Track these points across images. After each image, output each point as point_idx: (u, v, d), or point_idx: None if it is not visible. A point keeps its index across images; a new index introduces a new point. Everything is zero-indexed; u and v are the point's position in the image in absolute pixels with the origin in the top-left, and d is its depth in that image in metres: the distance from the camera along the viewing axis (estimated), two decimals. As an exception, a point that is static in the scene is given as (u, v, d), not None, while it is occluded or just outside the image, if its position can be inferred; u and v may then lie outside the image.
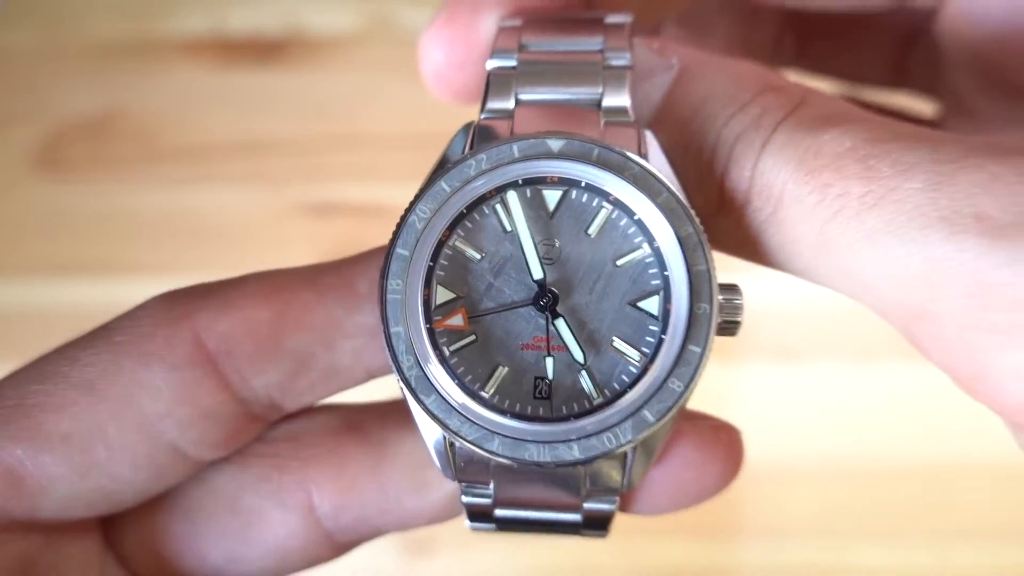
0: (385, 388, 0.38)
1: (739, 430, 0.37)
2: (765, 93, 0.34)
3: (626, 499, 0.37)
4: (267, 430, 0.38)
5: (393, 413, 0.37)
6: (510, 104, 0.36)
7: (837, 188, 0.30)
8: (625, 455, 0.35)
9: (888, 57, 0.47)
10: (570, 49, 0.37)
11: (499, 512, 0.37)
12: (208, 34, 0.93)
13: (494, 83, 0.36)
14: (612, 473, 0.35)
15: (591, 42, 0.37)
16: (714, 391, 0.85)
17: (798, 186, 0.31)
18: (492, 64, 0.36)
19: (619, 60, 0.36)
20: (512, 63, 0.36)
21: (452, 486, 0.36)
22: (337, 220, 0.87)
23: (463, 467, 0.35)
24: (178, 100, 0.92)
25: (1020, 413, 0.29)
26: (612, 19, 0.37)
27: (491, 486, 0.36)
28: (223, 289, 0.35)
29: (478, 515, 0.37)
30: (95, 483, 0.34)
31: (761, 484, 0.83)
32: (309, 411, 0.38)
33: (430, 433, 0.35)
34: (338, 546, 0.38)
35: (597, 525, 0.37)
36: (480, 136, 0.36)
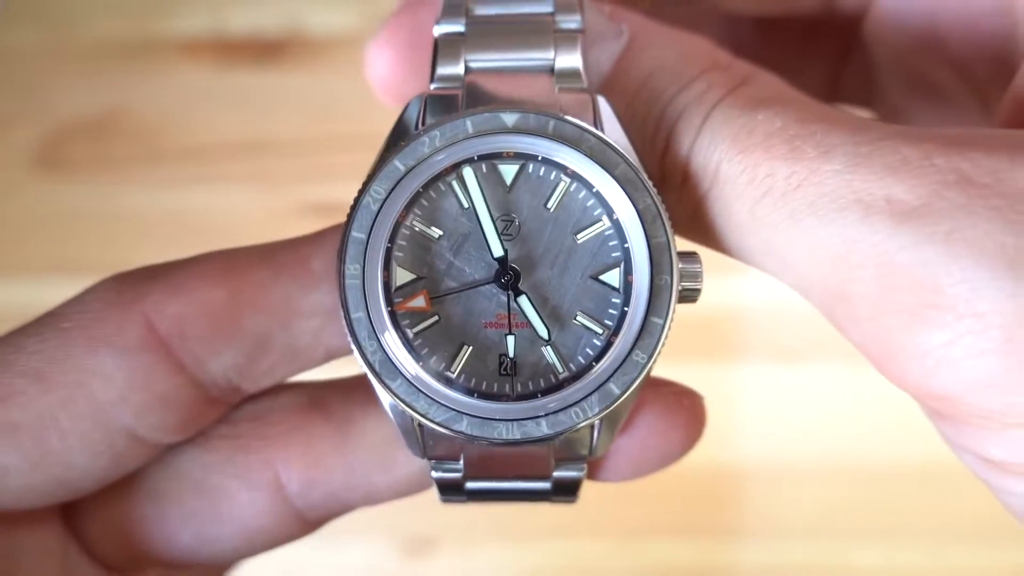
0: (349, 365, 0.37)
1: (701, 395, 0.38)
2: (710, 71, 0.34)
3: (593, 466, 0.37)
4: (231, 411, 0.37)
5: (358, 389, 0.37)
6: (459, 70, 0.35)
7: (765, 168, 0.31)
8: (591, 428, 0.35)
9: (822, 70, 0.48)
10: (520, 12, 0.36)
11: (470, 485, 0.37)
12: (208, 34, 0.93)
13: (442, 48, 0.35)
14: (580, 442, 0.35)
15: (541, 4, 0.36)
16: (714, 391, 0.85)
17: (731, 165, 0.32)
18: (439, 30, 0.36)
19: (570, 23, 0.36)
20: (460, 28, 0.36)
21: (419, 460, 0.36)
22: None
23: (432, 445, 0.35)
24: (178, 100, 0.92)
25: (926, 395, 0.31)
26: None
27: (461, 460, 0.36)
28: (174, 270, 0.35)
29: (449, 488, 0.37)
30: (49, 472, 0.33)
31: (761, 484, 0.83)
32: (273, 390, 0.38)
33: (397, 415, 0.35)
34: (308, 523, 0.38)
35: (566, 491, 0.37)
36: (432, 108, 0.35)
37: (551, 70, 0.35)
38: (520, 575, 0.80)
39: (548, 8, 0.36)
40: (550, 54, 0.35)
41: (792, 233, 0.31)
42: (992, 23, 0.37)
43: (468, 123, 0.34)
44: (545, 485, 0.37)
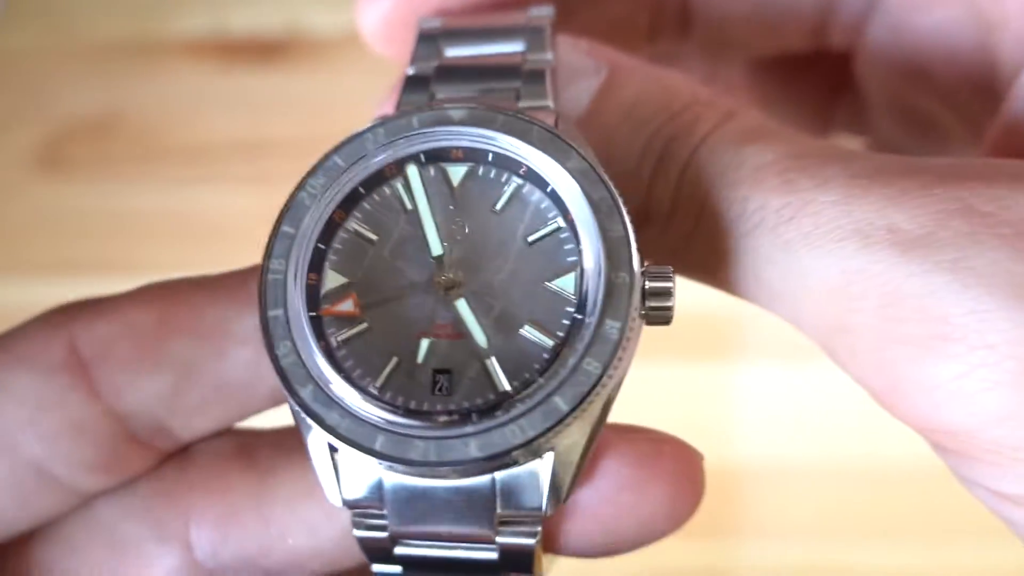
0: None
1: (693, 448, 0.32)
2: (694, 105, 0.33)
3: (550, 535, 0.31)
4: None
5: (291, 438, 0.32)
6: (424, 98, 0.34)
7: (756, 201, 0.30)
8: (539, 469, 0.29)
9: (815, 104, 0.48)
10: (491, 52, 0.35)
11: (399, 550, 0.31)
12: (209, 34, 0.93)
13: (409, 86, 0.34)
14: (526, 490, 0.29)
15: (513, 43, 0.35)
16: (714, 391, 0.85)
17: (719, 198, 0.31)
18: (410, 71, 0.35)
19: (539, 62, 0.34)
20: (429, 72, 0.34)
21: (346, 520, 0.31)
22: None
23: (349, 486, 0.30)
24: (179, 100, 0.92)
25: (935, 429, 0.29)
26: (535, 12, 0.35)
27: (385, 513, 0.30)
28: (116, 297, 0.32)
29: (376, 552, 0.31)
30: None
31: (761, 484, 0.83)
32: (210, 435, 0.34)
33: (312, 440, 0.30)
34: None
35: (518, 564, 0.31)
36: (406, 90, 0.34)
37: (517, 97, 0.33)
38: None
39: (519, 47, 0.34)
40: (516, 84, 0.33)
41: (786, 265, 0.29)
42: (972, 57, 0.37)
43: (414, 119, 0.31)
44: (491, 554, 0.30)
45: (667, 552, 0.81)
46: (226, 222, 0.89)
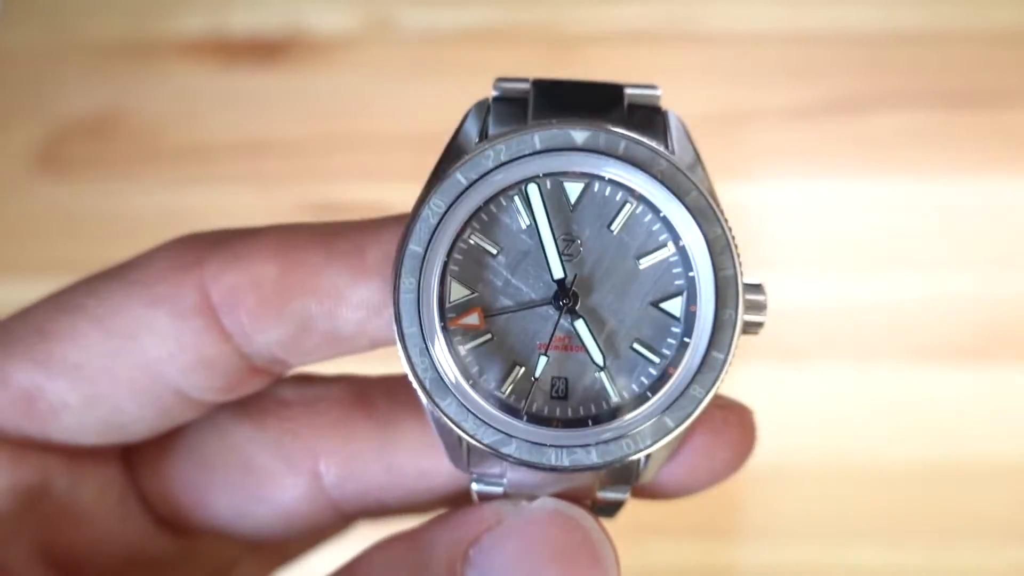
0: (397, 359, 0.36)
1: (750, 409, 0.37)
2: None
3: (636, 489, 0.36)
4: (282, 390, 0.39)
5: (403, 391, 0.36)
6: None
7: None
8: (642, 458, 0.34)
9: None
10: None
11: None
12: (209, 34, 0.93)
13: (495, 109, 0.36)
14: (627, 470, 0.34)
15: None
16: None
17: None
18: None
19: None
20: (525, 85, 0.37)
21: (458, 473, 0.36)
22: (337, 220, 0.87)
23: (476, 461, 0.34)
24: (179, 100, 0.92)
25: None
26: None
27: (504, 475, 0.35)
28: (237, 239, 0.35)
29: (487, 497, 0.36)
30: (101, 414, 0.35)
31: (761, 484, 0.83)
32: (326, 379, 0.39)
33: (443, 431, 0.34)
34: (344, 515, 0.39)
35: (606, 512, 0.36)
36: (497, 114, 0.34)
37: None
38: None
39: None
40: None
41: None
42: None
43: (536, 138, 0.32)
44: (587, 503, 0.36)
45: (667, 552, 0.81)
46: (225, 221, 0.88)
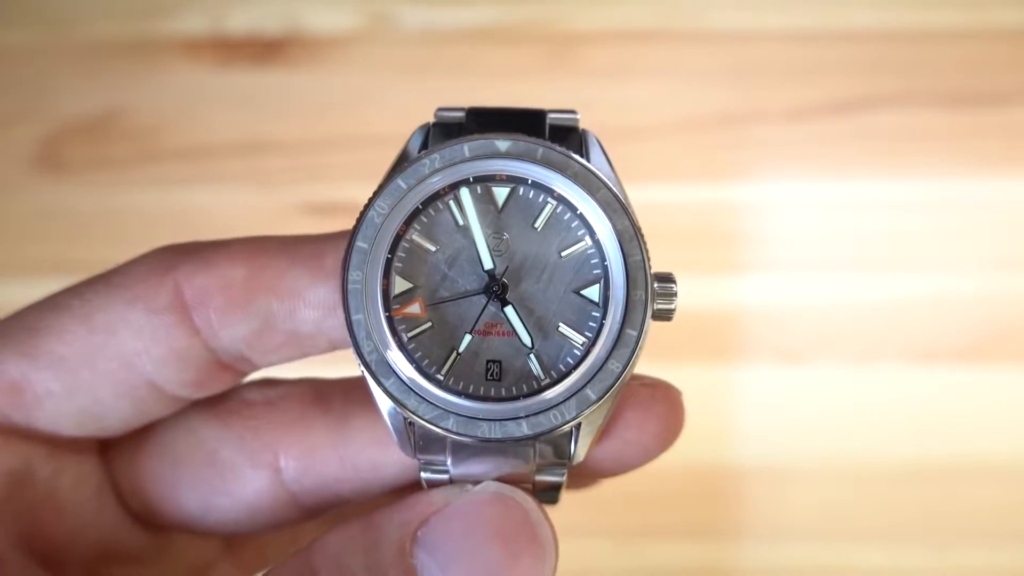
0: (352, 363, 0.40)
1: (677, 388, 0.40)
2: None
3: (572, 468, 0.39)
4: (246, 392, 0.42)
5: (358, 390, 0.41)
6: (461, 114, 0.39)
7: None
8: (572, 432, 0.37)
9: None
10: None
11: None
12: (208, 34, 0.93)
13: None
14: (559, 448, 0.38)
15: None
16: (714, 391, 0.85)
17: None
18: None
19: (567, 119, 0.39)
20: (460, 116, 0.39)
21: (407, 462, 0.39)
22: (337, 220, 0.87)
23: (421, 445, 0.38)
24: (178, 100, 0.92)
25: None
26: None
27: (448, 462, 0.38)
28: (210, 247, 0.39)
29: (435, 484, 0.39)
30: (81, 403, 0.38)
31: (761, 484, 0.83)
32: (287, 382, 0.43)
33: (390, 414, 0.37)
34: (302, 509, 0.42)
35: (547, 496, 0.39)
36: (435, 135, 0.39)
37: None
38: None
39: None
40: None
41: None
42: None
43: (465, 148, 0.37)
44: (527, 487, 0.38)
45: (668, 552, 0.81)
46: (224, 221, 0.89)
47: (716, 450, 0.82)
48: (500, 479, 0.37)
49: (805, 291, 0.86)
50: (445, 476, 0.38)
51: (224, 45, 0.93)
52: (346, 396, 0.41)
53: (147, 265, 0.38)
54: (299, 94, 0.92)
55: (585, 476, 0.41)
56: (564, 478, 0.39)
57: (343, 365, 0.41)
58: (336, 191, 0.88)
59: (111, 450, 0.42)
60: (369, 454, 0.40)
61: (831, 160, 0.88)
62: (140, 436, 0.42)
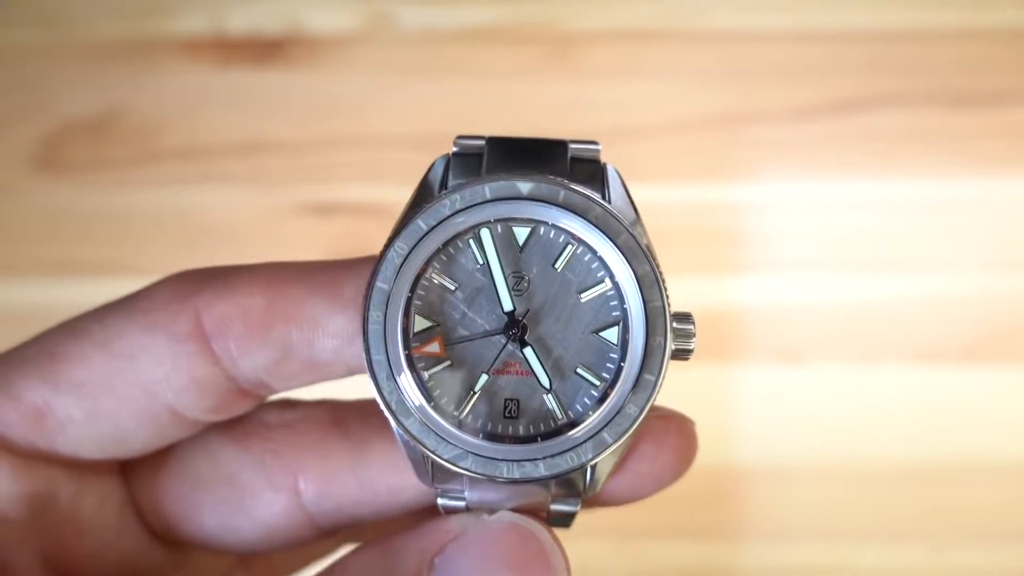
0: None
1: (691, 420, 0.41)
2: None
3: (587, 498, 0.39)
4: (265, 414, 0.42)
5: (375, 416, 0.40)
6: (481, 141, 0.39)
7: None
8: (588, 469, 0.38)
9: None
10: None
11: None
12: (208, 34, 0.93)
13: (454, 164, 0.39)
14: (575, 482, 0.38)
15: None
16: (714, 391, 0.85)
17: None
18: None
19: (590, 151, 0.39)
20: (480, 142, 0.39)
21: (425, 488, 0.39)
22: (337, 220, 0.87)
23: (440, 476, 0.38)
24: (178, 100, 0.92)
25: None
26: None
27: (465, 493, 0.38)
28: (230, 274, 0.39)
29: (452, 511, 0.39)
30: (102, 429, 0.38)
31: (761, 485, 0.83)
32: (305, 404, 0.43)
33: (409, 449, 0.38)
34: (320, 529, 0.42)
35: (561, 523, 0.39)
36: (455, 167, 0.39)
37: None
38: None
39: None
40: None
41: None
42: None
43: (487, 189, 0.37)
44: (542, 516, 0.39)
45: (669, 553, 0.81)
46: (224, 221, 0.89)
47: (716, 450, 0.82)
48: (516, 509, 0.38)
49: (805, 291, 0.86)
50: (462, 503, 0.38)
51: (224, 45, 0.93)
52: (364, 421, 0.42)
53: (167, 291, 0.39)
54: (299, 94, 0.92)
55: (598, 504, 0.41)
56: (578, 507, 0.39)
57: (361, 387, 0.41)
58: (336, 191, 0.88)
59: (132, 470, 0.42)
60: (387, 479, 0.40)
61: (831, 160, 0.88)
62: (160, 457, 0.42)
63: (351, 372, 0.39)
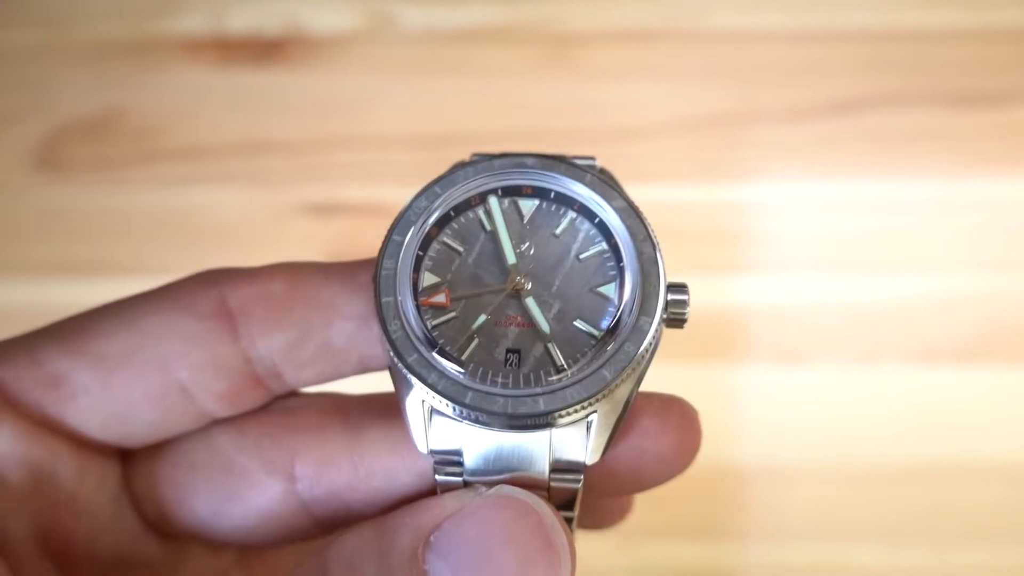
0: (379, 385, 0.41)
1: (694, 408, 0.41)
2: None
3: (590, 479, 0.40)
4: (269, 403, 0.43)
5: (377, 404, 0.42)
6: None
7: None
8: (587, 427, 0.38)
9: None
10: None
11: None
12: (208, 33, 0.93)
13: None
14: (574, 444, 0.39)
15: None
16: (716, 392, 0.85)
17: None
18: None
19: None
20: None
21: (420, 471, 0.40)
22: (337, 220, 0.87)
23: (437, 436, 0.39)
24: (178, 99, 0.92)
25: None
26: None
27: (463, 465, 0.39)
28: (252, 268, 0.41)
29: (448, 490, 0.39)
30: (113, 405, 0.39)
31: (761, 484, 0.83)
32: (308, 395, 0.44)
33: (411, 401, 0.39)
34: (315, 520, 0.42)
35: (564, 504, 0.40)
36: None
37: None
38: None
39: None
40: None
41: None
42: None
43: (496, 163, 0.41)
44: (543, 495, 0.38)
45: (669, 552, 0.81)
46: (224, 221, 0.89)
47: (716, 450, 0.82)
48: (515, 483, 0.38)
49: (805, 291, 0.86)
50: (459, 479, 0.39)
51: (224, 45, 0.93)
52: (364, 407, 0.42)
53: (194, 279, 0.41)
54: (299, 94, 0.92)
55: (604, 494, 0.41)
56: (580, 485, 0.39)
57: (366, 388, 0.43)
58: (336, 191, 0.88)
59: (130, 460, 0.42)
60: (383, 461, 0.40)
61: (831, 160, 0.88)
62: (158, 447, 0.42)
63: (363, 365, 0.41)
